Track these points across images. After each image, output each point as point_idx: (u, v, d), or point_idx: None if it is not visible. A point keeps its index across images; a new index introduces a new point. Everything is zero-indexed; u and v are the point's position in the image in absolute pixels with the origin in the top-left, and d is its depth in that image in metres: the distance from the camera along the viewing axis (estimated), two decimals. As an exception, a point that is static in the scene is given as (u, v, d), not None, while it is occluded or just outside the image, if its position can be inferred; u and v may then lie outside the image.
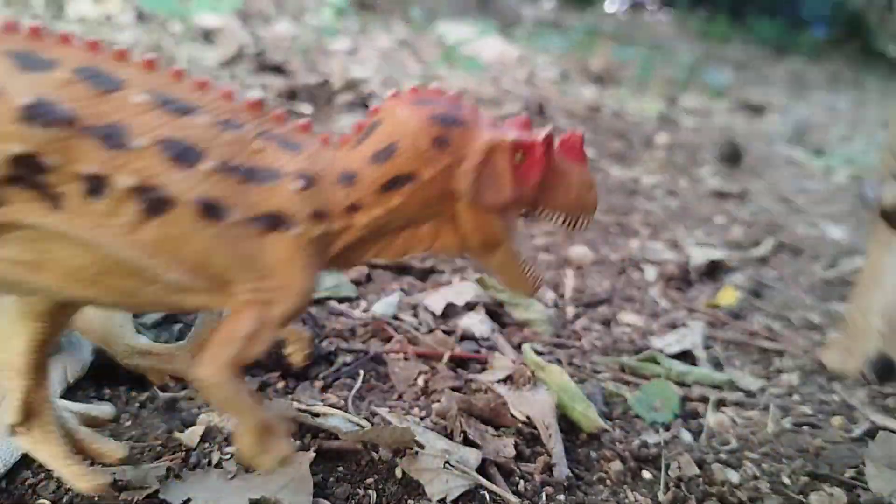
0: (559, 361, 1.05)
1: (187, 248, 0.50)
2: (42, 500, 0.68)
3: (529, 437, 0.86)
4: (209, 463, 0.74)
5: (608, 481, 0.82)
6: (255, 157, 0.51)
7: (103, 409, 0.69)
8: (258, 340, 0.53)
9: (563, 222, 0.61)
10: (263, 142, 0.52)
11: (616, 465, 0.84)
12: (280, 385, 0.91)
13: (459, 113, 0.55)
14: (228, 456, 0.75)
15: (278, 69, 2.48)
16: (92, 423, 0.69)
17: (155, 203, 0.48)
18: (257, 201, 0.51)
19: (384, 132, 0.55)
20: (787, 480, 0.85)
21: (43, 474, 0.71)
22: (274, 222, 0.52)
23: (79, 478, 0.62)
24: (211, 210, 0.49)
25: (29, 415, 0.60)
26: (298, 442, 0.80)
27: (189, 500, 0.67)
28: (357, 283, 1.20)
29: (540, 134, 0.56)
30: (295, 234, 0.52)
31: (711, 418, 0.97)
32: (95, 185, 0.47)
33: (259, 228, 0.51)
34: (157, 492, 0.68)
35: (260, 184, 0.51)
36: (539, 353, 1.01)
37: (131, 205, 0.48)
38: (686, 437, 0.93)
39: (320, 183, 0.53)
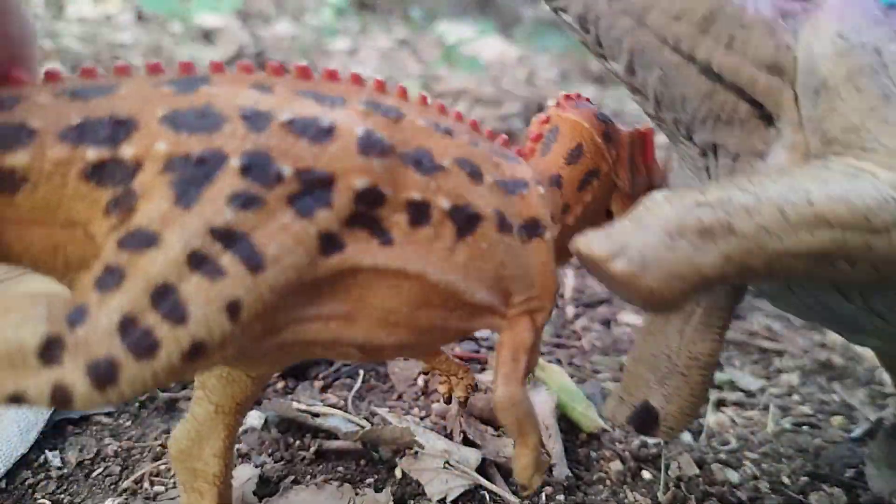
0: (559, 361, 1.05)
1: (490, 264, 0.49)
2: (42, 500, 0.68)
3: (529, 437, 0.86)
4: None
5: (608, 481, 0.82)
6: (500, 169, 0.52)
7: None
8: (537, 349, 0.53)
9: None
10: (497, 157, 0.53)
11: (616, 465, 0.84)
12: (280, 385, 0.91)
13: (605, 112, 0.60)
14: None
15: (278, 69, 2.48)
16: None
17: (466, 221, 0.47)
18: (518, 209, 0.51)
19: (567, 137, 0.58)
20: (786, 480, 0.85)
21: (42, 474, 0.71)
22: (534, 228, 0.52)
23: None
24: (503, 221, 0.49)
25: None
26: (298, 442, 0.80)
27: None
28: (357, 283, 1.20)
29: (646, 126, 0.62)
30: (548, 238, 0.52)
31: (711, 418, 0.97)
32: (419, 213, 0.45)
33: (525, 236, 0.51)
34: None
35: (515, 193, 0.51)
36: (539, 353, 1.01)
37: (449, 226, 0.46)
38: (686, 437, 0.93)
39: (547, 188, 0.55)
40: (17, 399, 0.36)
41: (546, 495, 0.77)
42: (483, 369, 1.00)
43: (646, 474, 0.83)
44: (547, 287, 0.52)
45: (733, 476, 0.84)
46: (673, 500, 0.79)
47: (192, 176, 0.38)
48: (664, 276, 0.45)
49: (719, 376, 1.08)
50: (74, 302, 0.37)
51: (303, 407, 0.84)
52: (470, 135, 0.52)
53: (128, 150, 0.38)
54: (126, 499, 0.69)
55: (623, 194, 0.60)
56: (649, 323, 0.72)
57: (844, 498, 0.81)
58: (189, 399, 0.85)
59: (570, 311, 1.26)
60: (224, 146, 0.39)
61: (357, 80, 0.47)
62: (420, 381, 0.94)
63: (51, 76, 0.41)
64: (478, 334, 1.08)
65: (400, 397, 0.92)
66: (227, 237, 0.38)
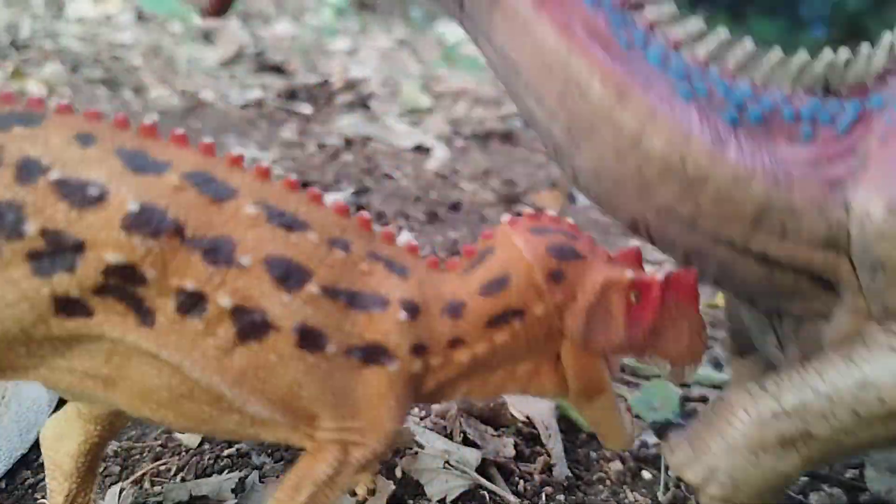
0: (559, 361, 1.05)
1: (277, 379, 0.44)
2: (42, 500, 0.68)
3: (529, 437, 0.86)
4: (213, 465, 0.74)
5: (608, 481, 0.82)
6: (362, 279, 0.47)
7: None
8: (334, 486, 0.47)
9: (669, 370, 0.56)
10: (371, 263, 0.48)
11: (616, 466, 0.84)
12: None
13: (577, 245, 0.51)
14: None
15: (278, 69, 2.48)
16: None
17: (252, 326, 0.43)
18: (359, 330, 0.46)
19: (498, 261, 0.50)
20: (786, 480, 0.85)
21: (42, 474, 0.71)
22: (373, 355, 0.46)
23: None
24: (309, 338, 0.44)
25: None
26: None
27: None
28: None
29: (660, 275, 0.52)
30: (392, 369, 0.47)
31: (711, 418, 0.96)
32: (192, 303, 0.43)
33: (356, 360, 0.46)
34: None
35: (364, 311, 0.46)
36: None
37: (226, 326, 0.43)
38: (686, 437, 0.92)
39: (425, 313, 0.48)
40: None
41: (546, 495, 0.77)
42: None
43: (646, 474, 0.83)
44: (375, 424, 0.47)
45: (733, 476, 0.84)
46: (673, 500, 0.79)
47: None
48: (755, 493, 0.48)
49: (719, 376, 1.08)
50: None
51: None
52: (334, 233, 0.47)
53: None
54: (126, 498, 0.69)
55: (583, 346, 0.50)
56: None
57: (844, 498, 0.81)
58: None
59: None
60: None
61: (209, 150, 0.46)
62: (420, 381, 0.94)
63: None
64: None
65: (400, 397, 0.92)
66: None
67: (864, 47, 0.54)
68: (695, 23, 0.54)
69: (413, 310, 0.47)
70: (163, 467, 0.74)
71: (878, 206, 0.48)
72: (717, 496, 0.48)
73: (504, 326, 0.49)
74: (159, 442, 0.77)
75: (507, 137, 2.31)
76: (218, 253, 0.43)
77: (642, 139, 0.50)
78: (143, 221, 0.42)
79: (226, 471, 0.74)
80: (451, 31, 4.08)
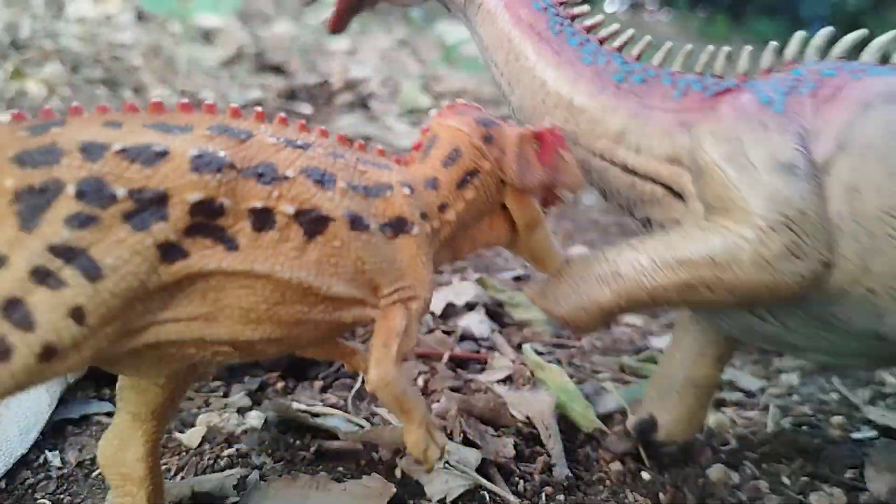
0: (559, 361, 1.05)
1: (345, 259, 0.54)
2: (42, 500, 0.68)
3: (529, 438, 0.86)
4: (213, 465, 0.75)
5: (608, 481, 0.82)
6: (364, 176, 0.57)
7: None
8: (411, 334, 0.58)
9: (569, 199, 0.71)
10: (363, 164, 0.58)
11: (616, 466, 0.84)
12: (280, 385, 0.91)
13: (491, 117, 0.66)
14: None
15: (278, 69, 2.49)
16: None
17: (314, 223, 0.52)
18: (381, 211, 0.57)
19: (445, 142, 0.63)
20: (787, 480, 0.85)
21: (42, 474, 0.71)
22: (399, 226, 0.57)
23: None
24: (357, 221, 0.54)
25: None
26: (298, 442, 0.80)
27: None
28: (357, 283, 1.20)
29: (546, 124, 0.67)
30: (416, 233, 0.58)
31: (711, 418, 0.96)
32: (263, 219, 0.51)
33: (390, 234, 0.57)
34: (236, 503, 0.69)
35: (379, 196, 0.57)
36: (539, 353, 1.01)
37: (295, 229, 0.52)
38: (686, 437, 0.92)
39: (416, 189, 0.60)
40: None
41: (546, 495, 0.77)
42: (483, 369, 1.00)
43: (645, 474, 0.83)
44: (418, 277, 0.58)
45: (733, 476, 0.84)
46: (673, 500, 0.79)
47: (34, 204, 0.45)
48: (572, 309, 0.68)
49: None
50: None
51: (303, 407, 0.84)
52: (330, 148, 0.57)
53: None
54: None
55: (516, 189, 0.65)
56: (666, 349, 0.88)
57: (844, 498, 0.81)
58: (189, 399, 0.86)
59: (570, 311, 1.26)
60: (62, 176, 0.46)
61: (211, 109, 0.54)
62: (420, 382, 0.94)
63: None
64: (477, 335, 1.08)
65: (400, 397, 0.92)
66: (66, 253, 0.45)
67: (768, 47, 0.74)
68: (615, 25, 0.80)
69: (410, 187, 0.59)
70: (163, 467, 0.74)
71: (707, 129, 0.68)
72: (544, 306, 0.70)
73: (469, 185, 0.63)
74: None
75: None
76: (267, 174, 0.51)
77: (546, 82, 0.77)
78: (206, 162, 0.49)
79: (227, 471, 0.74)
80: (451, 31, 4.08)
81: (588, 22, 0.81)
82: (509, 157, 0.64)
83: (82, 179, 0.46)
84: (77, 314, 0.45)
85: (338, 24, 0.94)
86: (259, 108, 0.56)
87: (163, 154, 0.48)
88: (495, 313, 1.17)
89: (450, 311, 1.14)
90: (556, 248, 0.71)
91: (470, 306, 1.15)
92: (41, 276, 0.44)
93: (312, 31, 3.34)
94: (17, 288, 0.44)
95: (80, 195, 0.45)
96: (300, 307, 0.53)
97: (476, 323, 1.11)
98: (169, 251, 0.48)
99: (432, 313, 1.13)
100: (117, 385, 0.60)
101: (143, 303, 0.48)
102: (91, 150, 0.47)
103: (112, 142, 0.47)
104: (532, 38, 0.78)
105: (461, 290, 1.19)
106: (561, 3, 0.81)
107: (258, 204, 0.50)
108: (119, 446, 0.60)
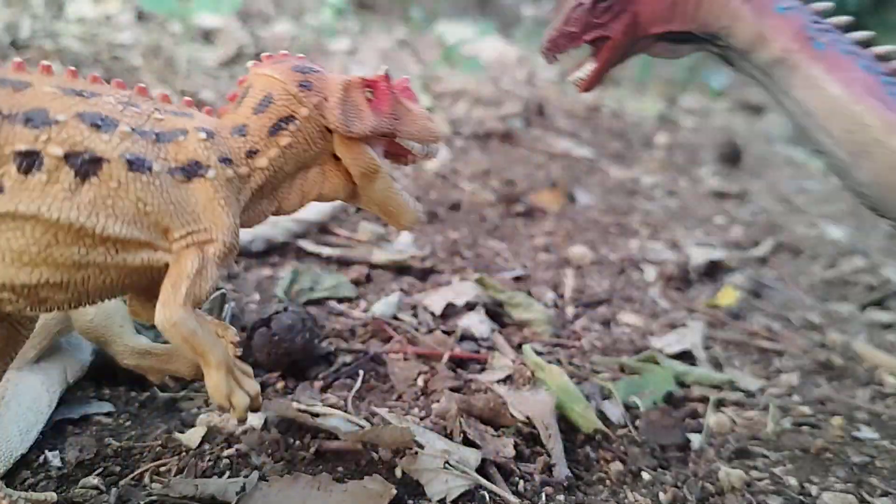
0: (559, 361, 1.05)
1: (123, 200, 0.54)
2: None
3: (529, 438, 0.86)
4: (213, 466, 0.75)
5: (608, 481, 0.82)
6: (159, 123, 0.57)
7: (48, 496, 0.67)
8: (204, 277, 0.57)
9: (420, 151, 0.68)
10: (161, 114, 0.58)
11: (616, 466, 0.84)
12: (280, 385, 0.91)
13: (311, 64, 0.65)
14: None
15: (278, 69, 2.48)
16: None
17: (87, 165, 0.53)
18: (172, 155, 0.57)
19: (257, 90, 0.63)
20: (787, 480, 0.85)
21: (42, 474, 0.71)
22: (193, 169, 0.57)
23: None
24: (137, 163, 0.54)
25: None
26: (298, 442, 0.80)
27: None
28: (356, 283, 1.20)
29: (379, 72, 0.66)
30: (211, 177, 0.58)
31: (711, 418, 0.97)
32: (30, 162, 0.52)
33: (181, 177, 0.57)
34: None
35: (171, 140, 0.57)
36: (539, 353, 1.01)
37: (66, 171, 0.52)
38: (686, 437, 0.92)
39: (218, 136, 0.60)
40: None
41: (546, 495, 0.77)
42: (483, 369, 1.00)
43: (645, 474, 0.83)
44: (216, 221, 0.58)
45: (734, 476, 0.84)
46: (673, 500, 0.79)
47: None
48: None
49: (719, 376, 1.08)
50: None
51: (303, 407, 0.84)
52: (124, 98, 0.57)
53: None
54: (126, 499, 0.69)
55: (344, 137, 0.63)
56: None
57: (845, 498, 0.81)
58: (189, 399, 0.86)
59: (570, 311, 1.26)
60: None
61: (20, 67, 0.54)
62: (420, 382, 0.94)
63: None
64: (477, 335, 1.08)
65: (400, 397, 0.92)
66: None
67: None
68: None
69: (209, 133, 0.59)
70: (163, 468, 0.74)
71: None
72: None
73: (283, 132, 0.62)
74: (159, 442, 0.77)
75: (507, 137, 2.31)
76: (36, 119, 0.52)
77: None
78: None
79: (227, 471, 0.74)
80: (451, 31, 4.08)
81: None
82: (331, 103, 0.63)
83: None
84: None
85: (595, 83, 0.86)
86: (46, 63, 0.56)
87: None
88: (495, 313, 1.16)
89: (450, 311, 1.14)
90: (407, 201, 0.68)
91: (470, 306, 1.15)
92: None
93: (312, 31, 3.34)
94: None
95: None
96: (76, 249, 0.53)
97: (476, 323, 1.10)
98: None
99: (432, 313, 1.13)
100: None
101: None
102: None
103: None
104: (873, 105, 0.71)
105: (461, 290, 1.19)
106: (878, 58, 0.74)
107: (23, 147, 0.51)
108: None
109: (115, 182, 0.54)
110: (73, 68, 0.57)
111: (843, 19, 0.74)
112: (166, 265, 0.57)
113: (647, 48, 0.84)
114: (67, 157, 0.52)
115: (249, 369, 0.62)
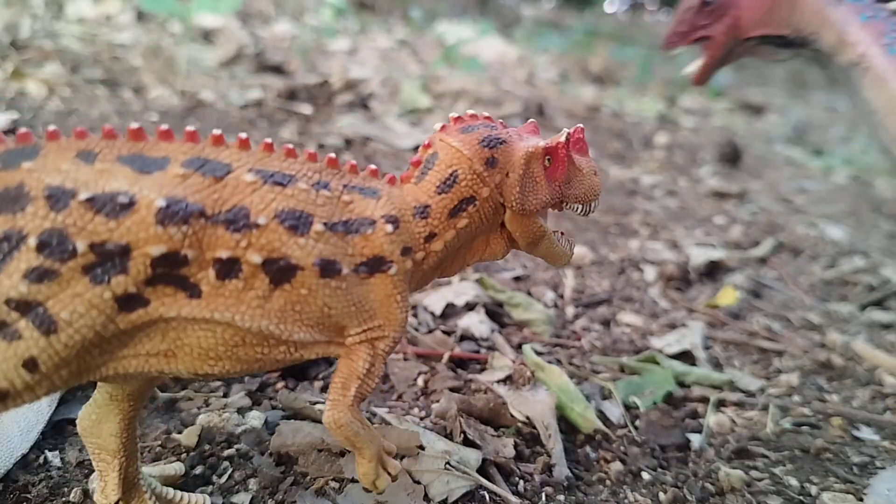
0: (559, 361, 1.05)
1: (311, 307, 0.53)
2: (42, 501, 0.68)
3: (529, 438, 0.86)
4: (212, 471, 0.74)
5: (608, 481, 0.82)
6: (347, 209, 0.55)
7: (175, 467, 0.72)
8: (373, 375, 0.57)
9: (581, 210, 0.66)
10: (349, 194, 0.56)
11: (616, 466, 0.84)
12: (280, 385, 0.91)
13: (499, 133, 0.61)
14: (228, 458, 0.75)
15: (278, 69, 2.48)
16: (168, 481, 0.71)
17: (281, 272, 0.51)
18: (359, 249, 0.55)
19: (443, 163, 0.60)
20: (787, 480, 0.85)
21: (42, 474, 0.71)
22: (376, 265, 0.56)
23: None
24: (328, 268, 0.53)
25: (127, 488, 0.63)
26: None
27: None
28: (357, 283, 1.20)
29: (561, 136, 0.62)
30: (393, 273, 0.56)
31: (711, 418, 0.97)
32: (228, 268, 0.50)
33: (364, 274, 0.56)
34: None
35: (358, 234, 0.55)
36: (539, 353, 1.01)
37: (261, 278, 0.51)
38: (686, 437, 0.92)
39: (403, 221, 0.58)
40: None
41: (546, 495, 0.77)
42: (483, 369, 1.00)
43: (645, 474, 0.83)
44: (391, 317, 0.57)
45: (734, 476, 0.84)
46: (673, 499, 0.79)
47: None
48: None
49: (719, 376, 1.08)
50: None
51: (313, 399, 0.84)
52: (315, 177, 0.55)
53: None
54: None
55: (521, 211, 0.61)
56: None
57: (846, 498, 0.81)
58: (189, 399, 0.86)
59: (570, 311, 1.26)
60: (25, 226, 0.46)
61: (192, 137, 0.52)
62: (420, 382, 0.94)
63: None
64: (477, 335, 1.08)
65: (400, 397, 0.92)
66: (22, 306, 0.46)
67: None
68: None
69: (394, 221, 0.57)
70: (163, 467, 0.74)
71: None
72: None
73: (463, 213, 0.60)
74: (159, 442, 0.77)
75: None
76: (237, 221, 0.50)
77: None
78: (172, 213, 0.48)
79: (227, 472, 0.74)
80: (451, 31, 4.08)
81: None
82: (511, 181, 0.60)
83: (45, 231, 0.46)
84: (30, 364, 0.46)
85: (704, 78, 0.94)
86: (243, 136, 0.53)
87: (129, 205, 0.47)
88: (495, 313, 1.17)
89: (450, 311, 1.14)
90: (564, 248, 0.67)
91: (470, 306, 1.15)
92: None
93: (312, 31, 3.34)
94: None
95: (41, 247, 0.45)
96: (260, 349, 0.53)
97: (476, 323, 1.10)
98: (128, 302, 0.48)
99: (432, 313, 1.13)
100: None
101: (100, 347, 0.49)
102: (57, 198, 0.46)
103: (79, 188, 0.47)
104: None
105: (461, 290, 1.19)
106: None
107: (224, 254, 0.50)
108: (96, 420, 0.61)
109: (306, 289, 0.53)
110: (269, 141, 0.54)
111: None
112: (336, 355, 0.57)
113: (751, 51, 0.92)
114: (265, 264, 0.51)
115: (393, 448, 0.63)
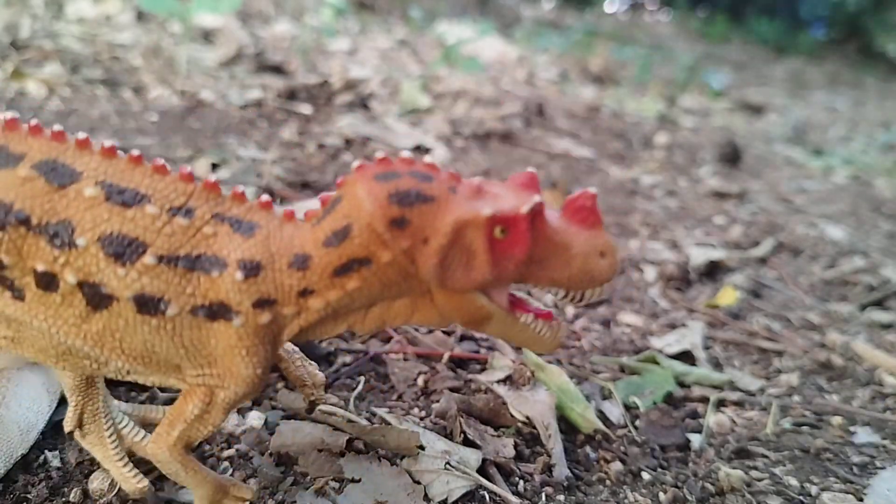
0: (559, 361, 1.05)
1: (131, 339, 0.52)
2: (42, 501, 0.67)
3: (529, 438, 0.86)
4: (214, 467, 0.74)
5: (608, 481, 0.82)
6: (203, 243, 0.50)
7: (158, 409, 0.74)
8: (205, 422, 0.55)
9: (565, 297, 0.54)
10: (216, 225, 0.51)
11: (616, 466, 0.84)
12: (280, 385, 0.91)
13: (426, 187, 0.49)
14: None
15: (278, 69, 2.48)
16: (148, 423, 0.73)
17: (98, 297, 0.50)
18: (202, 291, 0.50)
19: (341, 211, 0.50)
20: (787, 480, 0.85)
21: (42, 474, 0.71)
22: (217, 313, 0.51)
23: (125, 480, 0.66)
24: (148, 304, 0.50)
25: (82, 423, 0.65)
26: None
27: None
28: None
29: (524, 205, 0.48)
30: (238, 324, 0.51)
31: (711, 418, 0.97)
32: (48, 281, 0.50)
33: (203, 317, 0.51)
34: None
35: (204, 273, 0.50)
36: (539, 354, 1.01)
37: (79, 298, 0.50)
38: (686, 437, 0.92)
39: (269, 269, 0.51)
40: None
41: (546, 495, 0.77)
42: (483, 369, 1.00)
43: (645, 474, 0.83)
44: (233, 370, 0.52)
45: (734, 476, 0.84)
46: (673, 499, 0.79)
47: None
48: None
49: (719, 376, 1.08)
50: None
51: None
52: (179, 201, 0.51)
53: None
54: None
55: (443, 287, 0.50)
56: None
57: (846, 498, 0.81)
58: (189, 399, 0.85)
59: (570, 311, 1.26)
60: None
61: (59, 137, 0.51)
62: (420, 381, 0.94)
63: None
64: (477, 334, 1.08)
65: (400, 397, 0.92)
66: None
67: None
68: None
69: (252, 268, 0.50)
70: (163, 467, 0.74)
71: None
72: None
73: (352, 274, 0.50)
74: (159, 442, 0.77)
75: (507, 137, 2.31)
76: (60, 237, 0.49)
77: None
78: None
79: (227, 472, 0.74)
80: (451, 31, 4.08)
81: None
82: (430, 250, 0.48)
83: None
84: None
85: None
86: (108, 144, 0.51)
87: None
88: (495, 313, 1.16)
89: (450, 312, 1.14)
90: (538, 332, 0.54)
91: (470, 306, 1.15)
92: None
93: (312, 31, 3.34)
94: None
95: None
96: (89, 363, 0.53)
97: (476, 323, 1.10)
98: None
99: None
100: None
101: None
102: None
103: None
104: None
105: (461, 290, 1.19)
106: None
107: (41, 266, 0.50)
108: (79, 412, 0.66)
109: (124, 321, 0.51)
110: (137, 153, 0.51)
111: None
112: (178, 390, 0.56)
113: None
114: (81, 286, 0.50)
115: (244, 492, 0.62)
